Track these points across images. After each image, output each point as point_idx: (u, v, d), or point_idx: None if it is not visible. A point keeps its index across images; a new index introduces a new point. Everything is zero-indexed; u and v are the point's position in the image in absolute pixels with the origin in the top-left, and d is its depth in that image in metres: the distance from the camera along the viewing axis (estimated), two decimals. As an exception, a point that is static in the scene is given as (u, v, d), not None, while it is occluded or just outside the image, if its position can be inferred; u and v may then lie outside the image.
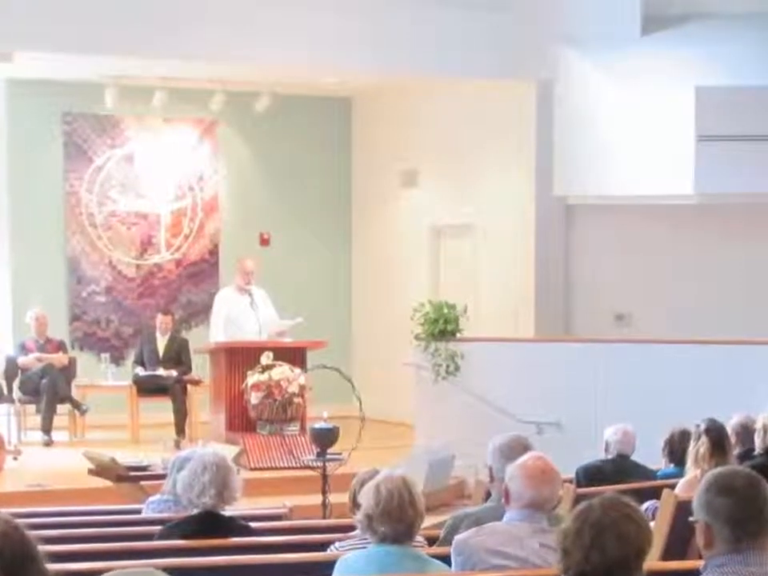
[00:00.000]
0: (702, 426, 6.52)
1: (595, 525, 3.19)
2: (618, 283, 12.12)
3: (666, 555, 5.49)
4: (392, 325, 12.84)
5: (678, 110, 11.34)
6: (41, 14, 10.47)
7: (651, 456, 7.46)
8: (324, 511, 7.93)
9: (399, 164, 13.76)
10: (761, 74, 11.30)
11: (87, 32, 10.69)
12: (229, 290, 11.70)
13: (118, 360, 13.13)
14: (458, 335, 11.01)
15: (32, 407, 11.84)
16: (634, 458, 7.58)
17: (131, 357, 12.80)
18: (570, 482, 6.95)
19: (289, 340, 11.20)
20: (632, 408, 9.46)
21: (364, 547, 4.33)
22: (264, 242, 14.10)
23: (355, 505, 4.86)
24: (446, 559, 4.33)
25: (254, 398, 10.41)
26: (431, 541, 4.86)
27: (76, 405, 11.75)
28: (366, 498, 4.20)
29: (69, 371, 12.07)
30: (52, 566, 2.86)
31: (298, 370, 10.50)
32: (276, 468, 10.12)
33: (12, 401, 11.68)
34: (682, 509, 5.43)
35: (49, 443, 11.51)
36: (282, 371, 10.48)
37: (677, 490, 6.08)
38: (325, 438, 8.18)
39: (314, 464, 8.23)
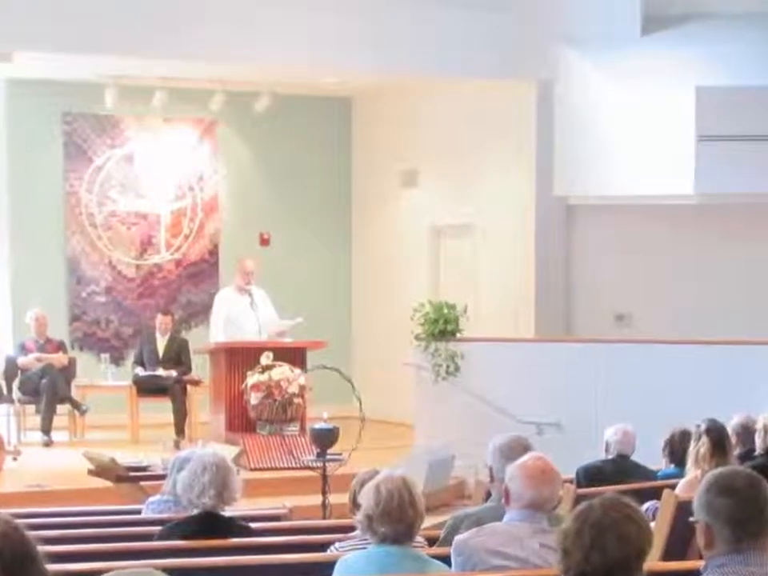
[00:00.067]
0: (703, 427, 6.52)
1: (595, 525, 3.19)
2: (618, 283, 12.12)
3: (667, 556, 5.49)
4: (392, 325, 12.83)
5: (678, 109, 11.33)
6: (41, 14, 10.47)
7: (651, 456, 7.46)
8: (324, 512, 7.92)
9: (399, 164, 13.75)
10: (761, 74, 11.30)
11: (87, 32, 10.69)
12: (229, 290, 11.69)
13: (117, 360, 13.12)
14: (458, 335, 11.01)
15: (32, 407, 11.83)
16: (634, 458, 7.58)
17: (131, 357, 12.79)
18: (571, 482, 6.94)
19: (289, 340, 11.20)
20: (632, 408, 9.45)
21: (364, 548, 4.33)
22: (264, 242, 14.10)
23: (355, 505, 4.86)
24: (446, 560, 4.33)
25: (254, 398, 10.41)
26: (431, 541, 4.86)
27: (76, 405, 11.75)
28: (366, 498, 4.20)
29: (69, 371, 12.06)
30: (52, 567, 2.86)
31: (297, 371, 10.50)
32: (276, 468, 10.12)
33: (12, 401, 11.67)
34: (683, 509, 5.42)
35: (48, 443, 11.50)
36: (282, 371, 10.47)
37: (677, 491, 6.07)
38: (325, 439, 8.18)
39: (314, 464, 8.23)
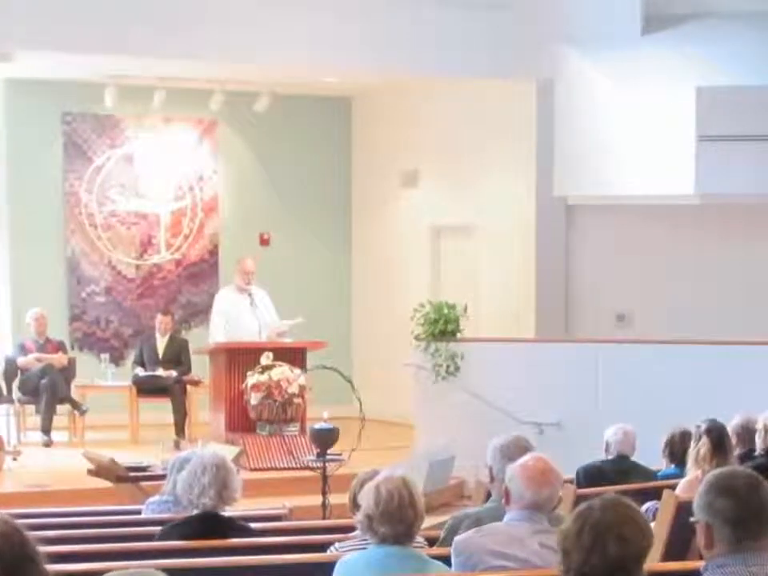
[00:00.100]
0: (703, 427, 6.52)
1: (596, 525, 3.18)
2: (618, 283, 12.12)
3: (667, 556, 5.49)
4: (392, 325, 12.83)
5: (678, 109, 11.33)
6: (41, 14, 10.46)
7: (651, 456, 7.46)
8: (324, 512, 7.92)
9: (399, 164, 13.75)
10: (762, 73, 11.29)
11: (87, 32, 10.68)
12: (229, 290, 11.68)
13: (117, 360, 13.12)
14: (458, 335, 11.00)
15: (31, 407, 11.83)
16: (635, 458, 7.58)
17: (131, 357, 12.79)
18: (571, 482, 6.94)
19: (289, 340, 11.20)
20: (632, 408, 9.46)
21: (364, 548, 4.33)
22: (264, 242, 14.10)
23: (355, 505, 4.86)
24: (446, 560, 4.33)
25: (254, 398, 10.41)
26: (431, 541, 4.86)
27: (75, 405, 11.74)
28: (366, 498, 4.20)
29: (68, 371, 12.06)
30: (52, 567, 2.86)
31: (297, 371, 10.49)
32: (276, 468, 10.12)
33: (11, 401, 11.67)
34: (683, 509, 5.43)
35: (48, 444, 11.50)
36: (282, 372, 10.47)
37: (677, 491, 6.07)
38: (325, 439, 8.18)
39: (314, 464, 8.23)
